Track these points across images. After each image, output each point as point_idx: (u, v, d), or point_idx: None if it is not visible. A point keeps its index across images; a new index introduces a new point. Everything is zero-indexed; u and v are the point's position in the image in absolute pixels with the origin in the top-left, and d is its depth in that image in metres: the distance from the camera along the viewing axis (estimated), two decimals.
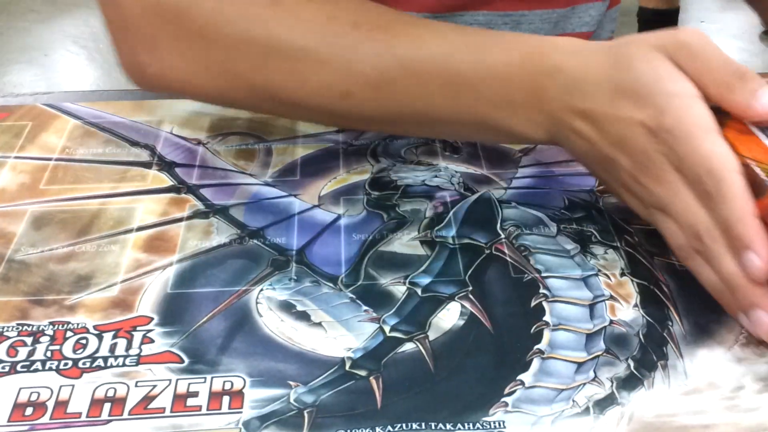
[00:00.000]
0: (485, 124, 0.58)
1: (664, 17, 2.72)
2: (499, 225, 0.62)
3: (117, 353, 0.51)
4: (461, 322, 0.54)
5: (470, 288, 0.56)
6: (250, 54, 0.61)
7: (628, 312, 0.54)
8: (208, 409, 0.48)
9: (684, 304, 0.55)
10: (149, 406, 0.48)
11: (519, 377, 0.50)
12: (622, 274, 0.57)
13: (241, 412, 0.47)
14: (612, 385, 0.49)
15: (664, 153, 0.51)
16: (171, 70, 0.64)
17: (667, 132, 0.51)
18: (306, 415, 0.47)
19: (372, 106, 0.61)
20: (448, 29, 0.60)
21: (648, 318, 0.54)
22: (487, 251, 0.59)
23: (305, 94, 0.61)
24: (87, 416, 0.47)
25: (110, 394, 0.49)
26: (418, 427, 0.46)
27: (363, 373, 0.50)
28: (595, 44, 0.56)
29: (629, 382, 0.50)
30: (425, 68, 0.58)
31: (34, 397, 0.48)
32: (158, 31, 0.63)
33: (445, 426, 0.46)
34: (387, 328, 0.53)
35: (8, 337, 0.52)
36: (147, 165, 0.68)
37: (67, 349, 0.51)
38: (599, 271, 0.58)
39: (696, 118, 0.50)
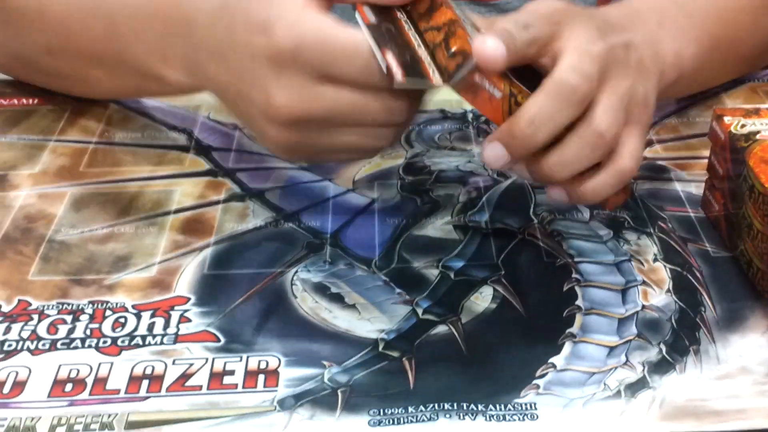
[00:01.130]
0: (141, 69, 0.60)
1: None
2: (532, 210, 0.62)
3: (155, 332, 0.52)
4: (494, 306, 0.54)
5: (503, 272, 0.56)
6: (8, 24, 0.68)
7: (660, 297, 0.55)
8: (243, 387, 0.48)
9: (717, 289, 0.55)
10: (186, 384, 0.49)
11: (551, 360, 0.50)
12: (655, 260, 0.57)
13: (276, 391, 0.48)
14: (644, 369, 0.49)
15: (306, 71, 0.49)
16: None
17: (291, 53, 0.49)
18: (340, 394, 0.48)
19: (63, 56, 0.66)
20: None
21: (680, 303, 0.54)
22: (520, 236, 0.60)
23: (32, 52, 0.68)
24: (125, 393, 0.48)
25: (148, 371, 0.50)
26: (450, 408, 0.47)
27: (396, 354, 0.51)
28: None
29: (661, 367, 0.50)
30: (90, 12, 0.62)
31: (73, 374, 0.50)
32: None
33: (476, 407, 0.47)
34: (420, 311, 0.54)
35: (49, 315, 0.53)
36: (184, 149, 0.69)
37: (107, 327, 0.53)
38: (632, 256, 0.58)
39: (307, 26, 0.49)
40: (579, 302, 0.54)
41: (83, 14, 0.62)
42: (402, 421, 0.46)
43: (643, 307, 0.54)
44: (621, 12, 0.58)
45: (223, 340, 0.52)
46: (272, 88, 0.49)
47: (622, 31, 0.53)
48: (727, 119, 0.58)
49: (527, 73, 0.49)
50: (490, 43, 0.47)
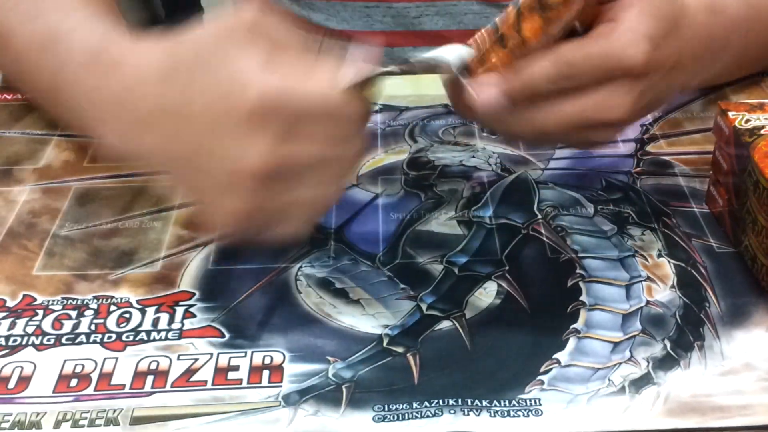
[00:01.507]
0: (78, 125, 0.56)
1: None
2: (536, 205, 0.62)
3: (160, 327, 0.52)
4: (498, 301, 0.54)
5: (507, 267, 0.56)
6: None
7: (665, 293, 0.55)
8: (248, 383, 0.48)
9: (721, 285, 0.55)
10: (191, 379, 0.49)
11: (555, 356, 0.50)
12: (659, 255, 0.57)
13: (280, 386, 0.48)
14: (648, 365, 0.50)
15: (279, 127, 0.46)
16: None
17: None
18: (344, 389, 0.48)
19: (21, 85, 0.63)
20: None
21: (685, 299, 0.54)
22: (524, 231, 0.60)
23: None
24: (130, 388, 0.48)
25: (153, 366, 0.50)
26: (454, 403, 0.47)
27: (400, 349, 0.51)
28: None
29: (665, 363, 0.50)
30: (40, 58, 0.58)
31: (78, 369, 0.50)
32: None
33: (481, 403, 0.47)
34: (424, 306, 0.54)
35: (53, 311, 0.53)
36: None
37: (111, 322, 0.53)
38: (636, 252, 0.58)
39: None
40: (583, 298, 0.54)
41: (34, 57, 0.58)
42: (406, 417, 0.46)
43: (648, 302, 0.54)
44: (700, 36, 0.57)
45: (227, 335, 0.52)
46: (244, 147, 0.46)
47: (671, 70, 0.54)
48: (731, 114, 0.58)
49: None
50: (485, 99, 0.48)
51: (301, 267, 0.57)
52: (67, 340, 0.51)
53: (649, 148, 0.68)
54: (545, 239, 0.59)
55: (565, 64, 0.49)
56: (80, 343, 0.51)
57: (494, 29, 0.49)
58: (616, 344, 0.51)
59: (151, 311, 0.53)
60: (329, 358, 0.50)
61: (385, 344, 0.51)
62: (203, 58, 0.47)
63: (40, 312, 0.53)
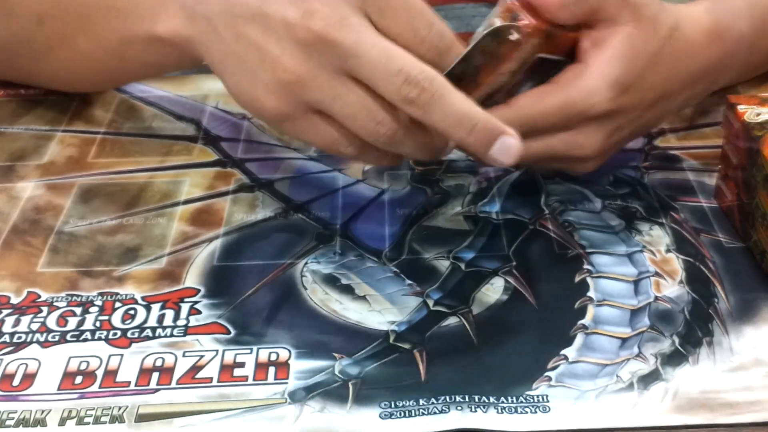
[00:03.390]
0: (129, 26, 0.57)
1: None
2: (543, 201, 0.62)
3: (165, 324, 0.52)
4: (505, 297, 0.54)
5: (514, 263, 0.56)
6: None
7: (673, 288, 0.54)
8: (254, 380, 0.48)
9: (730, 280, 0.55)
10: (197, 376, 0.49)
11: (563, 352, 0.50)
12: (668, 251, 0.57)
13: (286, 383, 0.48)
14: (656, 361, 0.49)
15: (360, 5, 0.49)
16: None
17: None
18: (351, 386, 0.48)
19: (60, 30, 0.62)
20: None
21: (693, 294, 0.54)
22: (531, 227, 0.59)
23: (11, 26, 0.63)
24: (136, 385, 0.48)
25: (158, 363, 0.49)
26: (461, 400, 0.47)
27: (407, 346, 0.50)
28: None
29: (674, 358, 0.49)
30: None
31: (83, 366, 0.49)
32: None
33: (488, 399, 0.47)
34: (431, 302, 0.53)
35: (58, 308, 0.53)
36: (193, 139, 0.69)
37: (116, 319, 0.52)
38: (644, 247, 0.57)
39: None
40: (591, 293, 0.54)
41: None
42: (413, 414, 0.46)
43: (656, 298, 0.53)
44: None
45: (233, 332, 0.51)
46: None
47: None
48: (740, 108, 0.57)
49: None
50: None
51: (306, 263, 0.56)
52: (71, 337, 0.51)
53: (657, 142, 0.68)
54: (552, 235, 0.59)
55: (530, 117, 0.52)
56: (85, 340, 0.51)
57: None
58: (624, 340, 0.51)
59: (156, 308, 0.53)
60: (335, 354, 0.50)
61: (391, 340, 0.51)
62: None
63: (45, 309, 0.53)
